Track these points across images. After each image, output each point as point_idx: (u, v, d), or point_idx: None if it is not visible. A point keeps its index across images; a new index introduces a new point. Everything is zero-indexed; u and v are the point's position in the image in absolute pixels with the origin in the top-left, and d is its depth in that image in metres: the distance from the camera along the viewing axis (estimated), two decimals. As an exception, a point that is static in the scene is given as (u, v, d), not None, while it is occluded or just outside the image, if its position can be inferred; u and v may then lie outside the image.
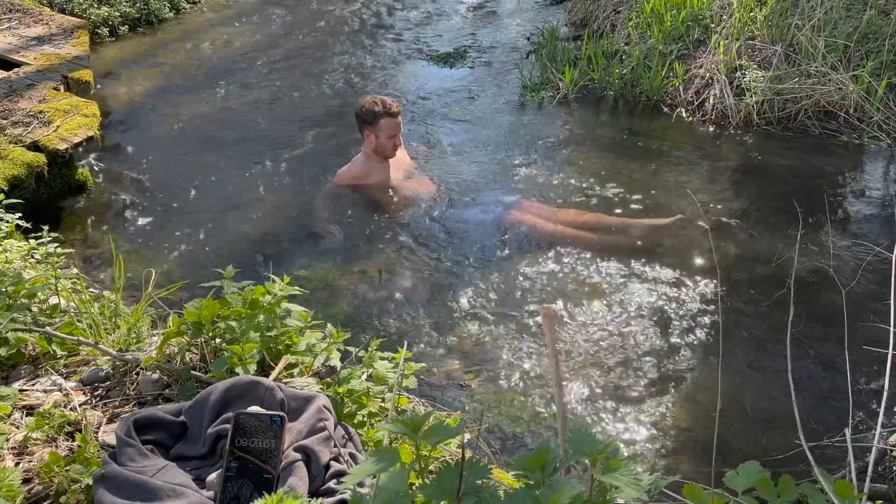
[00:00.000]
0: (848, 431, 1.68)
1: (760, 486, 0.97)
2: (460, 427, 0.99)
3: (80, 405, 1.54)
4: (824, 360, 2.63)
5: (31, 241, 2.19)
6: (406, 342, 2.59)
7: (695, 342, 2.74)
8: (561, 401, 1.13)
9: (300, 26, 6.29)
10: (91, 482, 1.23)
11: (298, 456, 1.28)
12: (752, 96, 4.40)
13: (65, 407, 1.52)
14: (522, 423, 2.38)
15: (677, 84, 4.71)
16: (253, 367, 1.54)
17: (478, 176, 3.92)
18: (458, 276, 3.14)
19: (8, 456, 1.37)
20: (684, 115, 4.59)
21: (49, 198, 3.55)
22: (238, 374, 1.48)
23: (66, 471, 1.27)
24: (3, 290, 1.81)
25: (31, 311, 1.86)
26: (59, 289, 1.94)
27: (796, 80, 4.40)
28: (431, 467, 1.37)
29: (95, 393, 1.60)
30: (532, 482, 0.88)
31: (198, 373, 1.58)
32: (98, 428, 1.47)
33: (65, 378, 1.65)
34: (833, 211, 3.53)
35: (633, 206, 3.59)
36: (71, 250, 3.03)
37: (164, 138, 4.36)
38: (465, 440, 1.79)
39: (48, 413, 1.45)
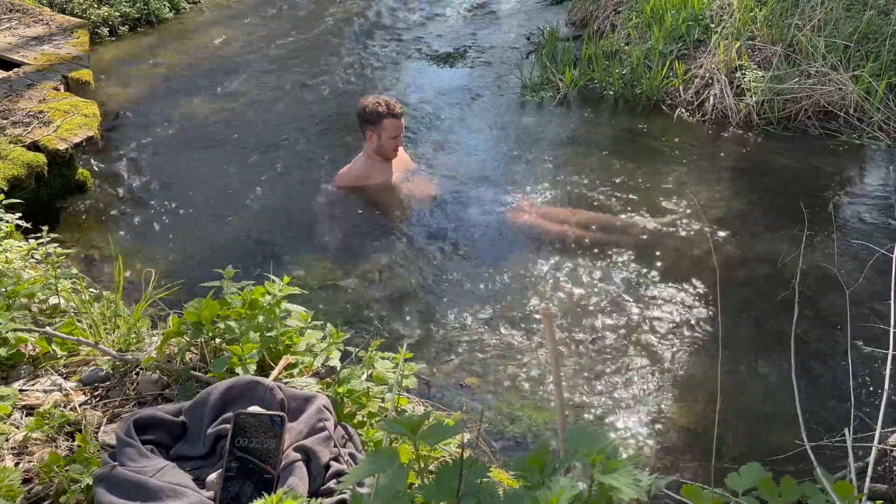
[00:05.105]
0: (848, 431, 1.68)
1: (761, 486, 0.97)
2: (459, 427, 0.99)
3: (80, 405, 1.54)
4: (824, 360, 2.63)
5: (31, 241, 2.19)
6: (406, 342, 2.59)
7: (695, 342, 2.74)
8: (561, 401, 1.13)
9: (300, 26, 6.29)
10: (91, 482, 1.23)
11: (298, 456, 1.28)
12: (752, 96, 4.40)
13: (65, 407, 1.52)
14: (522, 423, 2.38)
15: (677, 84, 4.71)
16: (253, 367, 1.54)
17: (478, 176, 3.92)
18: (458, 276, 3.13)
19: (8, 456, 1.37)
20: (684, 115, 4.59)
21: (49, 198, 3.55)
22: (238, 374, 1.48)
23: (66, 471, 1.27)
24: (3, 290, 1.81)
25: (31, 311, 1.86)
26: (59, 289, 1.94)
27: (796, 80, 4.40)
28: (431, 467, 1.37)
29: (95, 393, 1.60)
30: (531, 482, 0.88)
31: (198, 373, 1.58)
32: (98, 428, 1.47)
33: (65, 378, 1.65)
34: (833, 211, 3.53)
35: (632, 205, 3.59)
36: (71, 250, 3.03)
37: (164, 138, 4.36)
38: (465, 440, 1.79)
39: (48, 413, 1.45)
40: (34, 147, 3.47)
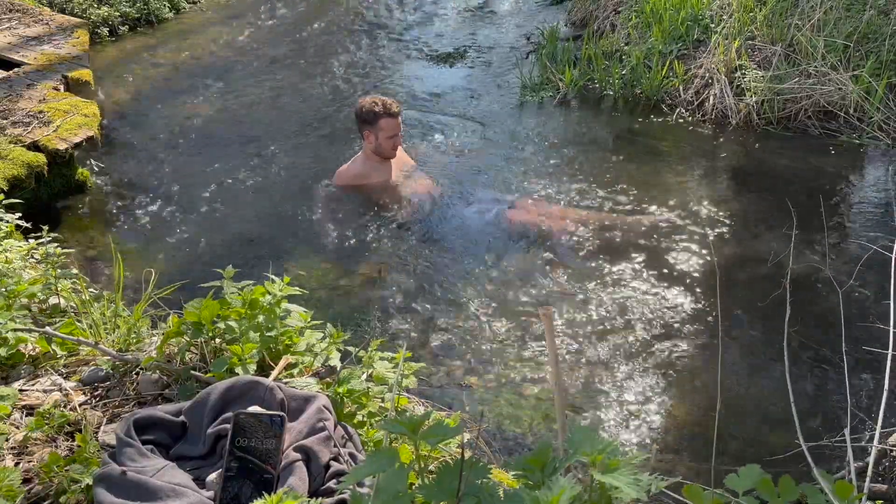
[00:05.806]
0: (847, 431, 1.68)
1: (761, 487, 0.97)
2: (459, 427, 0.99)
3: (80, 405, 1.54)
4: (825, 359, 2.63)
5: (31, 241, 2.19)
6: (406, 342, 2.59)
7: (694, 341, 2.74)
8: (561, 401, 1.13)
9: (300, 26, 6.29)
10: (91, 482, 1.23)
11: (298, 456, 1.28)
12: (752, 96, 4.40)
13: (65, 407, 1.52)
14: (522, 423, 2.38)
15: (677, 84, 4.71)
16: (253, 367, 1.54)
17: (477, 175, 3.93)
18: (458, 276, 3.14)
19: (8, 456, 1.37)
20: (684, 114, 4.59)
21: (49, 198, 3.55)
22: (238, 374, 1.48)
23: (66, 471, 1.27)
24: (4, 290, 1.81)
25: (31, 311, 1.86)
26: (59, 289, 1.94)
27: (796, 80, 4.40)
28: (431, 467, 1.37)
29: (95, 393, 1.60)
30: (532, 482, 0.88)
31: (198, 373, 1.58)
32: (98, 428, 1.47)
33: (65, 378, 1.65)
34: (832, 211, 3.53)
35: (632, 205, 3.59)
36: (71, 250, 3.02)
37: (164, 138, 4.36)
38: (465, 440, 1.79)
39: (48, 413, 1.45)
40: (34, 147, 3.48)
